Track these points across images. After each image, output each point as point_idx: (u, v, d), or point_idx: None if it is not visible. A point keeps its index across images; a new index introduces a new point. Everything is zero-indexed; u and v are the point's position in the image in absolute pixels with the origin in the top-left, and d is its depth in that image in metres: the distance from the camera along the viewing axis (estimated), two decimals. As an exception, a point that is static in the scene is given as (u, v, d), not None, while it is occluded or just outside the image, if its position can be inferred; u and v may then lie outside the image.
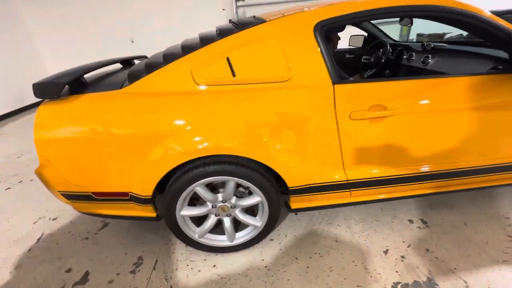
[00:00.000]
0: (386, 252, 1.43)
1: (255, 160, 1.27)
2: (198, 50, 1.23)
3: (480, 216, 1.62)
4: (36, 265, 1.53)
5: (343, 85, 1.21)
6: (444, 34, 5.09)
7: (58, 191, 1.32)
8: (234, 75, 1.19)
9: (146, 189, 1.26)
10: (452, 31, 5.01)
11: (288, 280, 1.32)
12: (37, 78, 6.05)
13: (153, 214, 1.39)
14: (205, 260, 1.48)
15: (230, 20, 1.60)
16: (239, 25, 1.28)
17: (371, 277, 1.30)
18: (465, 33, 4.07)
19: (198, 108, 1.18)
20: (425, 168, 1.35)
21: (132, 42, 5.37)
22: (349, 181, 1.34)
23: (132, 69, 1.34)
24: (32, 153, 3.12)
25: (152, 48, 5.64)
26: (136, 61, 1.94)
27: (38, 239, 1.74)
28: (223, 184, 1.38)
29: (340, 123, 1.21)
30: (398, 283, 1.26)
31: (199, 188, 1.28)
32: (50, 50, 5.47)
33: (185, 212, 1.36)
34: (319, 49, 1.20)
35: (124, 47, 5.40)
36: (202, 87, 1.20)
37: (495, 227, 1.52)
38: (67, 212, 1.98)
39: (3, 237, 1.78)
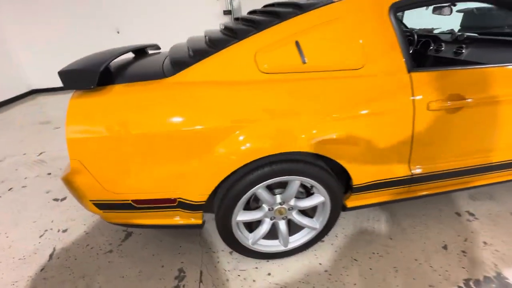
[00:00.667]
0: (445, 247, 1.39)
1: (321, 157, 1.15)
2: (258, 33, 1.07)
3: (521, 205, 1.63)
4: None
5: (419, 73, 1.12)
6: (432, 29, 5.24)
7: (90, 201, 1.11)
8: (304, 61, 1.05)
9: (202, 193, 1.10)
10: (441, 27, 5.17)
11: (355, 284, 1.23)
12: (6, 71, 5.44)
13: (200, 221, 1.23)
14: (256, 268, 1.35)
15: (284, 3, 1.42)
16: (302, 7, 1.13)
17: (439, 275, 1.25)
18: (455, 29, 4.18)
19: (270, 99, 1.03)
20: (491, 159, 1.31)
21: (118, 33, 4.95)
22: (413, 176, 1.27)
23: (175, 56, 1.15)
24: (16, 156, 2.74)
25: (139, 39, 5.26)
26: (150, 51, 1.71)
27: (51, 256, 1.49)
28: (279, 185, 1.25)
29: (417, 114, 1.12)
30: (469, 279, 1.22)
31: (261, 190, 1.14)
32: (22, 39, 4.88)
33: (241, 217, 1.21)
34: (394, 32, 1.09)
35: (109, 37, 4.97)
36: (267, 75, 1.04)
37: (540, 216, 1.54)
38: (78, 222, 1.73)
39: (5, 256, 1.51)
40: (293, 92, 1.04)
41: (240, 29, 1.12)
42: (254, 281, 1.28)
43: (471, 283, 1.20)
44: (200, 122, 0.99)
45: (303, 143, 1.06)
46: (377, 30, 1.08)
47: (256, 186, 1.10)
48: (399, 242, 1.44)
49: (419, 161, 1.25)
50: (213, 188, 1.08)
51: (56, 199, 1.97)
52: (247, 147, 1.02)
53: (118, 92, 1.01)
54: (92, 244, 1.56)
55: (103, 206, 1.14)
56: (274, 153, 1.04)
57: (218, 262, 1.39)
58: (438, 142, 1.21)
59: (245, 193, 1.11)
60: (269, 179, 1.10)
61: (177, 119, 0.99)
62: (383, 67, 1.09)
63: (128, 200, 1.12)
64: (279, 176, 1.11)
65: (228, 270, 1.34)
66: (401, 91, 1.10)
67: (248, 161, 1.04)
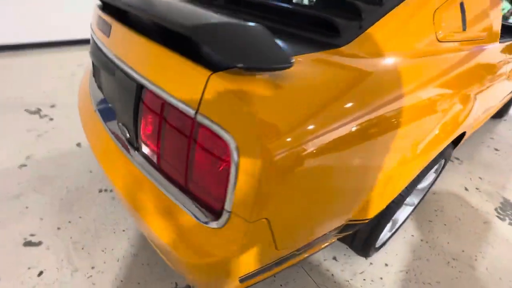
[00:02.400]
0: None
1: None
2: None
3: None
4: None
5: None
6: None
7: (239, 277, 0.64)
8: (464, 28, 0.93)
9: (385, 201, 0.85)
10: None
11: (448, 243, 1.36)
12: None
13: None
14: (371, 264, 1.24)
15: None
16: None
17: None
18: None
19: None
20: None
21: None
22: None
23: (322, 16, 0.76)
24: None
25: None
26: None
27: None
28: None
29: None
30: None
31: None
32: None
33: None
34: None
35: None
36: (444, 44, 0.87)
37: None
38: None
39: None
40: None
41: None
42: (381, 278, 1.19)
43: None
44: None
45: None
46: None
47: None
48: None
49: None
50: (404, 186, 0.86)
51: None
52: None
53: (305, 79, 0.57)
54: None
55: (250, 276, 0.69)
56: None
57: (333, 275, 1.19)
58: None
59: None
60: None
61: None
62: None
63: (293, 251, 0.73)
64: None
65: (351, 279, 1.18)
66: None
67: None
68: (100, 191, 1.49)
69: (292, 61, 0.48)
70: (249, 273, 0.64)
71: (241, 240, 0.53)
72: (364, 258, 1.26)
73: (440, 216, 1.53)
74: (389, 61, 0.72)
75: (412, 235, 1.40)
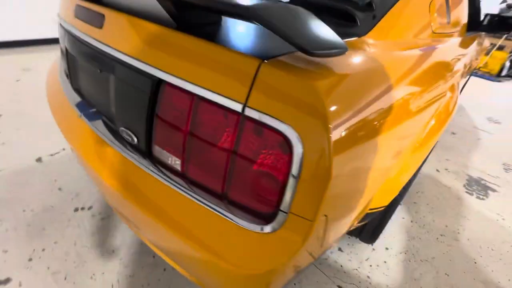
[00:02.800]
0: (438, 170, 1.91)
1: None
2: None
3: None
4: None
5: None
6: None
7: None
8: (448, 21, 1.00)
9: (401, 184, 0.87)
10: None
11: (434, 221, 1.48)
12: None
13: None
14: (374, 249, 1.29)
15: None
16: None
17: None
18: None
19: None
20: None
21: None
22: None
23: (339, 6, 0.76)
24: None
25: None
26: None
27: None
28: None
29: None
30: None
31: None
32: None
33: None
34: None
35: None
36: (437, 36, 0.92)
37: (443, 134, 2.42)
38: None
39: None
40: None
41: None
42: (385, 262, 1.24)
43: None
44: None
45: None
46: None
47: None
48: (418, 177, 1.82)
49: None
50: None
51: None
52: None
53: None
54: None
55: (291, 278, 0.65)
56: None
57: (341, 266, 1.20)
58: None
59: None
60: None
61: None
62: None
63: (328, 247, 0.70)
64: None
65: (359, 267, 1.20)
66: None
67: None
68: (76, 209, 1.30)
69: (346, 46, 0.46)
70: (294, 275, 0.60)
71: (301, 242, 0.49)
72: (367, 245, 1.30)
73: (422, 197, 1.65)
74: (405, 51, 0.74)
75: (403, 218, 1.49)
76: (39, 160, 1.56)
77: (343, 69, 0.51)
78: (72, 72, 0.93)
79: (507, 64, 4.44)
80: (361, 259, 1.24)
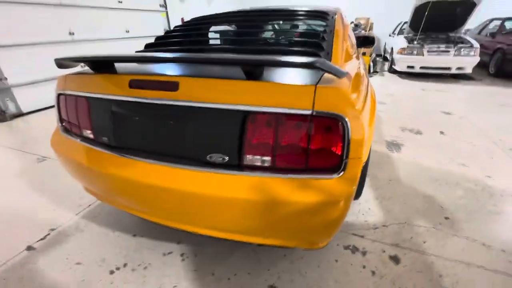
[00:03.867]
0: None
1: None
2: None
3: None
4: None
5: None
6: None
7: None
8: (352, 47, 1.65)
9: None
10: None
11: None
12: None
13: None
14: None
15: None
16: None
17: (383, 151, 2.48)
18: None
19: None
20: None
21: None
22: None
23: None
24: None
25: None
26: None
27: None
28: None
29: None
30: None
31: None
32: None
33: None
34: None
35: None
36: (353, 56, 1.54)
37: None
38: None
39: None
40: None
41: None
42: (369, 208, 1.75)
43: (388, 147, 2.55)
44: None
45: None
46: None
47: None
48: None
49: None
50: None
51: None
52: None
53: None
54: None
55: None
56: None
57: (346, 221, 1.64)
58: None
59: None
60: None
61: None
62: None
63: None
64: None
65: (357, 217, 1.67)
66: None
67: None
68: (112, 272, 1.34)
69: (345, 73, 0.93)
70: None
71: (359, 166, 0.91)
72: (355, 202, 1.80)
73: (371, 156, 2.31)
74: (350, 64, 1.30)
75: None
76: (30, 248, 1.48)
77: (347, 80, 0.99)
78: (119, 131, 1.11)
79: (371, 64, 6.14)
80: (355, 211, 1.72)
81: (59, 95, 1.31)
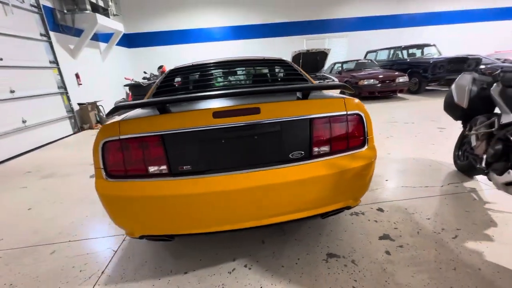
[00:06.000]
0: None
1: None
2: None
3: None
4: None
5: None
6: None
7: None
8: None
9: None
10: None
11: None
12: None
13: None
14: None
15: None
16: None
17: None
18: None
19: None
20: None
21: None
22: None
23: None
24: None
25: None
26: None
27: None
28: None
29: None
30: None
31: None
32: None
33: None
34: None
35: None
36: None
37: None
38: None
39: None
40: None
41: None
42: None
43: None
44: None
45: None
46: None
47: None
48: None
49: None
50: None
51: None
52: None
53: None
54: (349, 274, 1.45)
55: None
56: None
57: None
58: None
59: None
60: None
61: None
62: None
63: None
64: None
65: (343, 196, 2.29)
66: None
67: None
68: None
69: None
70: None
71: (373, 142, 1.52)
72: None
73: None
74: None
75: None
76: None
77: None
78: (207, 155, 1.33)
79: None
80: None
81: (106, 142, 1.34)
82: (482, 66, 2.32)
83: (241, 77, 2.24)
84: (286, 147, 1.37)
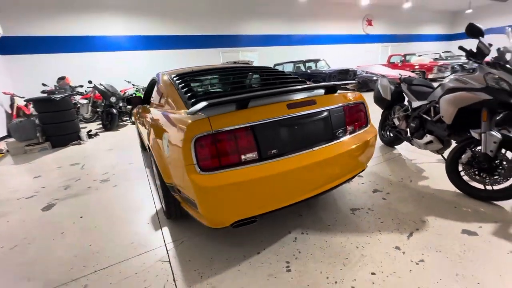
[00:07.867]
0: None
1: None
2: None
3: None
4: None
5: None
6: None
7: None
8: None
9: None
10: None
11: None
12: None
13: None
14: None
15: None
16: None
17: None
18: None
19: None
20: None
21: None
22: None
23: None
24: None
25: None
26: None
27: (404, 228, 1.86)
28: None
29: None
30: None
31: None
32: None
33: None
34: None
35: None
36: None
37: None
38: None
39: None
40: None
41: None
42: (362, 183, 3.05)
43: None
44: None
45: None
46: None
47: None
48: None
49: None
50: None
51: None
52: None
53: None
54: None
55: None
56: None
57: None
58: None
59: None
60: None
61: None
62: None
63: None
64: None
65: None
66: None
67: None
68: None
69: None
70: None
71: (372, 126, 2.18)
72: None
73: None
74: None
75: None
76: None
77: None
78: (287, 140, 1.63)
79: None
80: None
81: (198, 138, 1.44)
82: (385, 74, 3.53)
83: (266, 80, 2.58)
84: (333, 128, 1.84)
